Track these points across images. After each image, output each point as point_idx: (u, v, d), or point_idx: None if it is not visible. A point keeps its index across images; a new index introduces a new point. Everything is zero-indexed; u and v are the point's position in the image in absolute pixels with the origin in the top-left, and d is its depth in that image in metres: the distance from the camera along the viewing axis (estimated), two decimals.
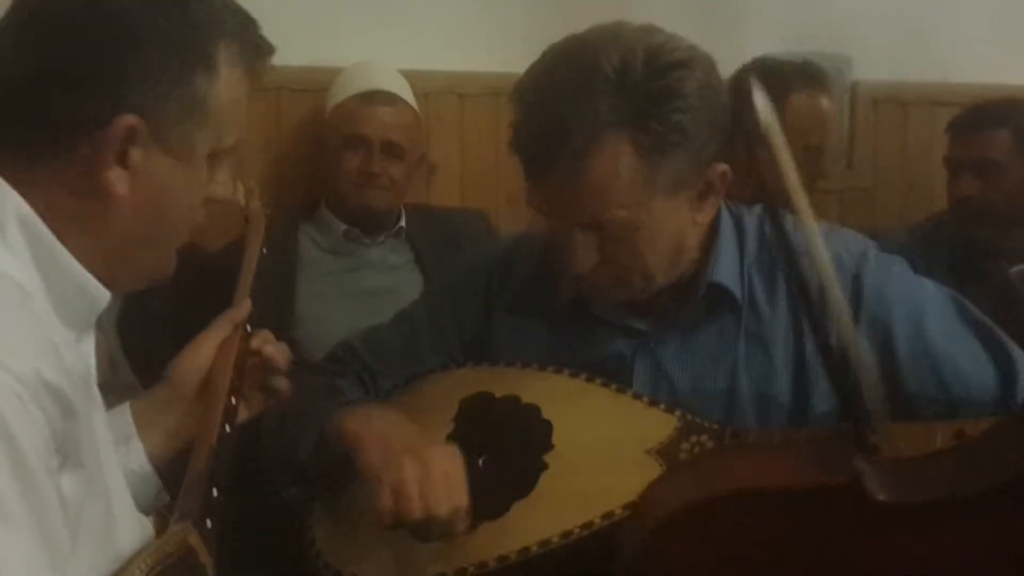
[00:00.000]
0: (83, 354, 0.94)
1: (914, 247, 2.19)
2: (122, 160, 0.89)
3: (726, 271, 1.31)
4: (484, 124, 2.56)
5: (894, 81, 2.82)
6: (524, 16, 2.49)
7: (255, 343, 1.22)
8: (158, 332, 1.88)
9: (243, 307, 1.23)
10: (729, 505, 0.90)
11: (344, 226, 2.30)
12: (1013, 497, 0.83)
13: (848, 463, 0.87)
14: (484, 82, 2.51)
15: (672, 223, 1.25)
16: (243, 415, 1.20)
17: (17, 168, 0.88)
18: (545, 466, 1.27)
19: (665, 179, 1.20)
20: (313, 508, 1.37)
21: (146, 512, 1.04)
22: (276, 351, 1.23)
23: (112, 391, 1.13)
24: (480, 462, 1.29)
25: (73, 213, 0.89)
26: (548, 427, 1.30)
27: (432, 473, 1.19)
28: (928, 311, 1.28)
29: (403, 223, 2.36)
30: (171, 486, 1.12)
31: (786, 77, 2.23)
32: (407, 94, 2.34)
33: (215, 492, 1.02)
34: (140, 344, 1.87)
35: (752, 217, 1.36)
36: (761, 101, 1.00)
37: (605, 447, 1.26)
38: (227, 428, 1.10)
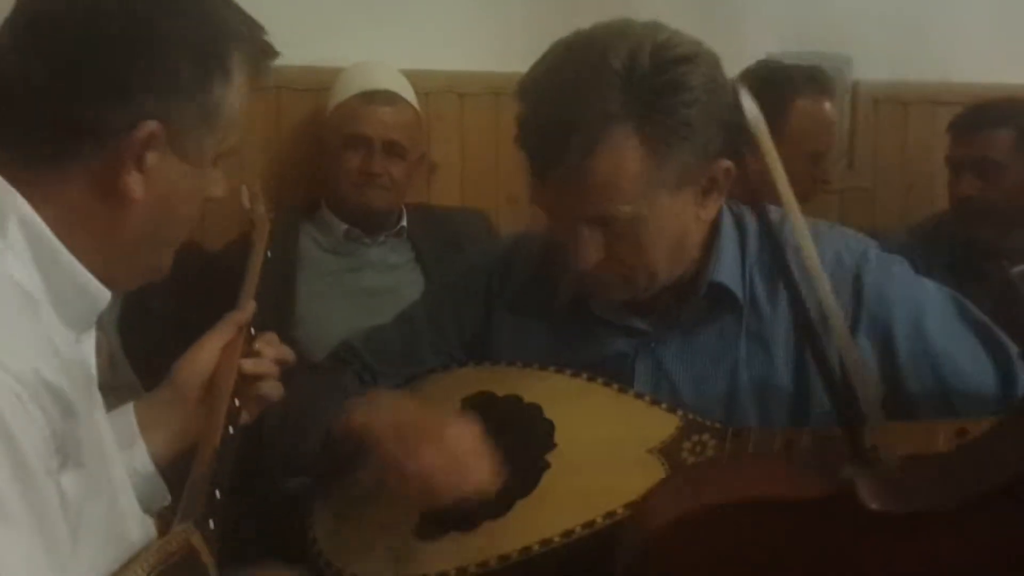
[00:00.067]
0: (83, 354, 0.95)
1: (914, 247, 2.19)
2: (139, 164, 0.90)
3: (727, 271, 1.31)
4: (484, 124, 2.56)
5: (894, 81, 2.82)
6: (524, 15, 2.49)
7: (258, 346, 1.22)
8: (159, 332, 1.88)
9: (247, 309, 1.23)
10: (724, 515, 0.91)
11: (345, 226, 2.30)
12: (1013, 497, 0.83)
13: (841, 472, 0.87)
14: (484, 81, 2.51)
15: (677, 219, 1.25)
16: (244, 418, 1.20)
17: (34, 167, 0.89)
18: (547, 465, 1.27)
19: (671, 173, 1.20)
20: (313, 508, 1.37)
21: (149, 513, 1.04)
22: (258, 364, 1.22)
23: (113, 391, 1.13)
24: None
25: (87, 214, 0.90)
26: (550, 426, 1.30)
27: (453, 454, 1.19)
28: (928, 311, 1.28)
29: (404, 223, 2.36)
30: (174, 487, 1.12)
31: (793, 81, 2.23)
32: (408, 93, 2.33)
33: (218, 493, 1.03)
34: (141, 344, 1.88)
35: (753, 217, 1.36)
36: (749, 104, 1.01)
37: (607, 446, 1.26)
38: (230, 430, 1.11)
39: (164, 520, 1.04)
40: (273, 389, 1.23)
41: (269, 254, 1.35)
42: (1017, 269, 2.22)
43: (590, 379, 1.33)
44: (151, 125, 0.89)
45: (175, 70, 0.91)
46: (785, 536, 0.90)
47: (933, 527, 0.86)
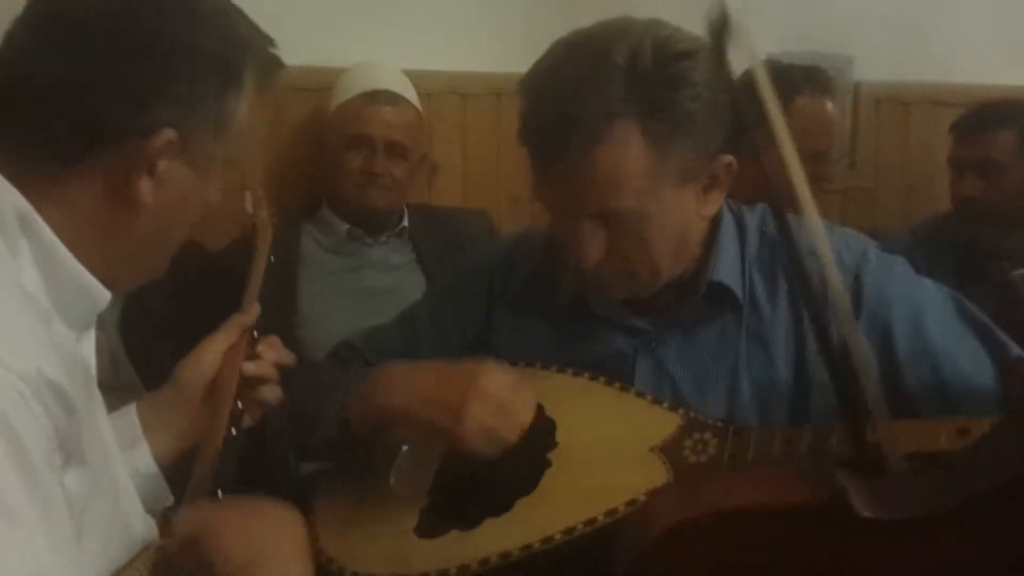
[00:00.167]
0: (83, 353, 0.95)
1: (916, 247, 2.19)
2: (151, 170, 0.91)
3: (727, 270, 1.31)
4: (486, 124, 2.56)
5: (895, 81, 2.83)
6: (525, 16, 2.49)
7: (260, 348, 1.23)
8: (159, 332, 1.89)
9: (251, 312, 1.24)
10: (723, 521, 0.91)
11: (346, 226, 2.31)
12: (1013, 497, 0.83)
13: (833, 479, 0.88)
14: (486, 82, 2.52)
15: (679, 215, 1.25)
16: (246, 421, 1.21)
17: (44, 167, 0.89)
18: (548, 464, 1.27)
19: (673, 168, 1.20)
20: (315, 505, 1.37)
21: (151, 513, 1.04)
22: (259, 366, 1.22)
23: (113, 391, 1.13)
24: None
25: (93, 216, 0.91)
26: (551, 425, 1.30)
27: (496, 399, 1.22)
28: (928, 310, 1.28)
29: (405, 223, 2.37)
30: (176, 488, 1.13)
31: (792, 80, 2.23)
32: (410, 93, 2.34)
33: (220, 494, 1.03)
34: (142, 344, 1.88)
35: (753, 216, 1.37)
36: (763, 78, 1.00)
37: (608, 445, 1.26)
38: (232, 431, 1.11)
39: (166, 520, 1.04)
40: (271, 393, 1.23)
41: (272, 258, 1.35)
42: (1018, 272, 2.22)
43: (591, 378, 1.33)
44: (169, 133, 0.90)
45: (194, 80, 0.92)
46: (784, 541, 0.90)
47: (931, 529, 0.86)
